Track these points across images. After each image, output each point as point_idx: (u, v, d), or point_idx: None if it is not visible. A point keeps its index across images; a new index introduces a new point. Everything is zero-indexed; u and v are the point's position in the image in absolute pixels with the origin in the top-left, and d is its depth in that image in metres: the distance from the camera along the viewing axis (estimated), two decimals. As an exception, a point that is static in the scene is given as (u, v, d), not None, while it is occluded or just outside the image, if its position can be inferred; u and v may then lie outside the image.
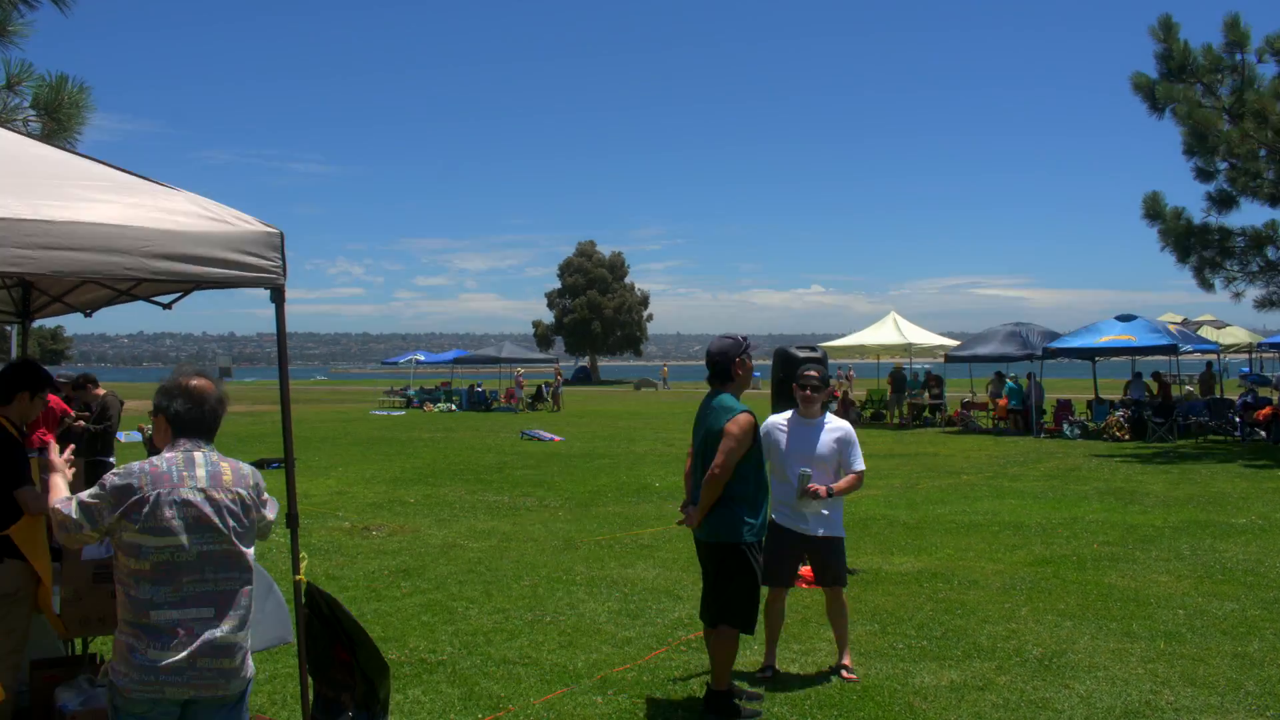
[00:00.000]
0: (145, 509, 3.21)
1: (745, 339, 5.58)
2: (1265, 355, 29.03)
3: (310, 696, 4.78)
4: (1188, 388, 27.84)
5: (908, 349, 28.55)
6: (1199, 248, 20.98)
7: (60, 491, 3.54)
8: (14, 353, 10.78)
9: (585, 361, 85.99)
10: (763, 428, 5.75)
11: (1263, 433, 21.63)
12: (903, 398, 29.11)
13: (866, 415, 29.49)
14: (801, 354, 8.61)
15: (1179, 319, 27.12)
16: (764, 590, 5.58)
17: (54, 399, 14.50)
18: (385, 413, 37.16)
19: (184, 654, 3.15)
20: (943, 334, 30.89)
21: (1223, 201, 20.69)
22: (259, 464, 17.61)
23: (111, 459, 11.02)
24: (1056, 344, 24.62)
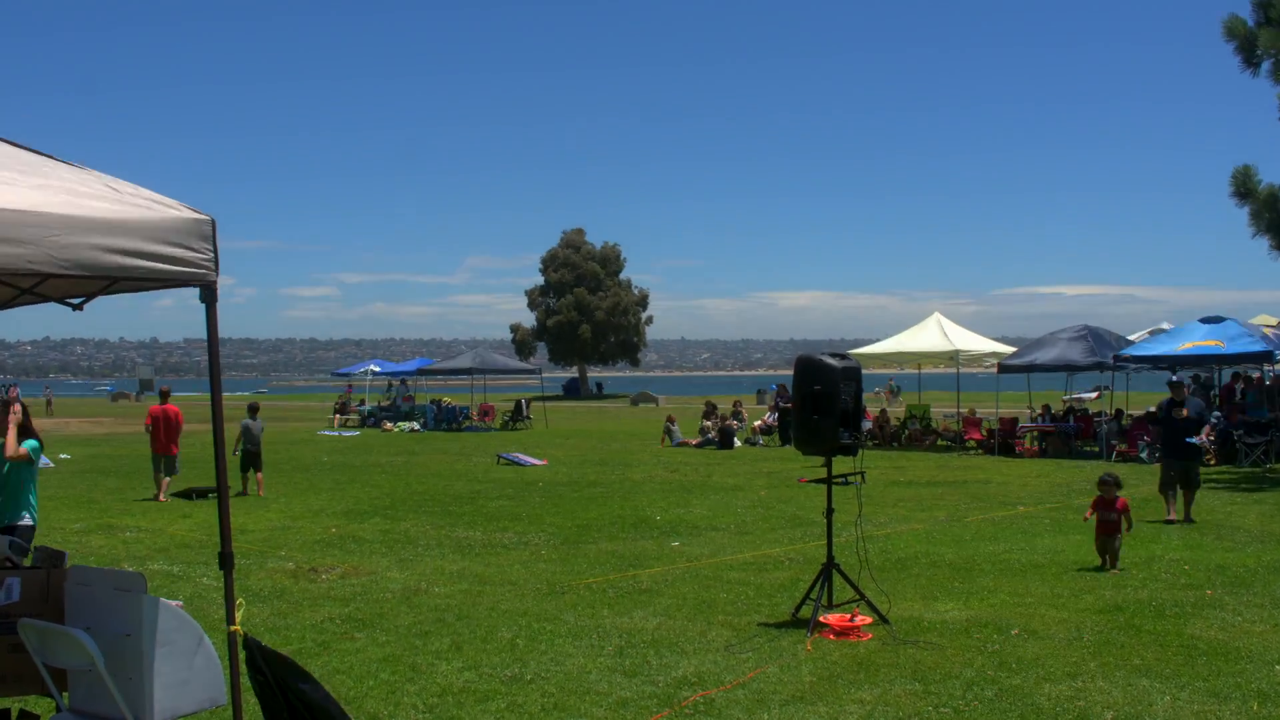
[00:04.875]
0: None
1: None
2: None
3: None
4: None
5: (954, 356, 28.59)
6: None
7: None
8: None
9: (574, 371, 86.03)
10: None
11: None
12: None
13: (904, 436, 29.51)
14: (832, 361, 8.62)
15: (1275, 321, 27.15)
16: None
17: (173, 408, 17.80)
18: (335, 433, 37.18)
19: None
20: (995, 339, 30.97)
21: None
22: (185, 494, 17.54)
23: None
24: (1131, 351, 24.63)
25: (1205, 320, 23.92)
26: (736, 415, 31.74)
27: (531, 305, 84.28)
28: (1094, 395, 29.28)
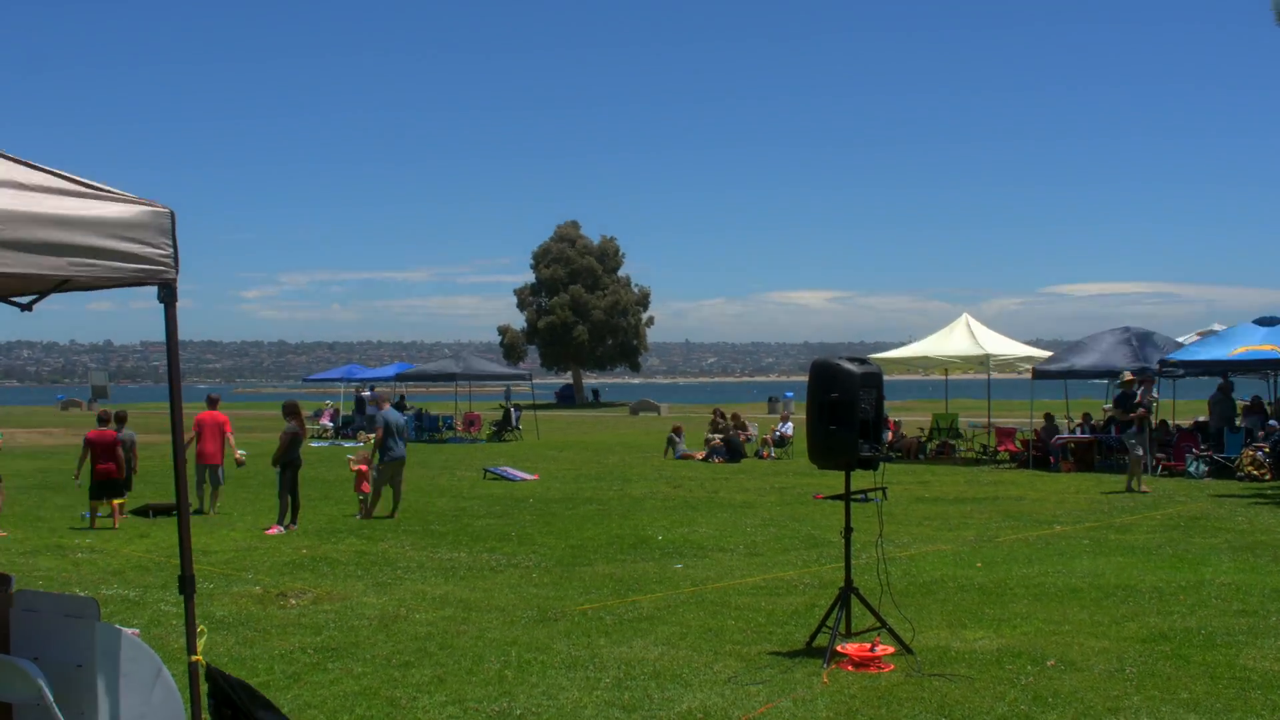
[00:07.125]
0: None
1: None
2: None
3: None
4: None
5: (984, 361, 28.63)
6: None
7: None
8: None
9: (568, 377, 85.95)
10: None
11: None
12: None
13: (931, 448, 29.53)
14: (850, 366, 8.63)
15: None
16: None
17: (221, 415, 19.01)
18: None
19: None
20: (1029, 343, 31.00)
21: None
22: (142, 511, 17.58)
23: None
24: (1178, 356, 24.62)
25: (1261, 321, 23.87)
26: (740, 427, 31.65)
27: (521, 305, 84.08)
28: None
